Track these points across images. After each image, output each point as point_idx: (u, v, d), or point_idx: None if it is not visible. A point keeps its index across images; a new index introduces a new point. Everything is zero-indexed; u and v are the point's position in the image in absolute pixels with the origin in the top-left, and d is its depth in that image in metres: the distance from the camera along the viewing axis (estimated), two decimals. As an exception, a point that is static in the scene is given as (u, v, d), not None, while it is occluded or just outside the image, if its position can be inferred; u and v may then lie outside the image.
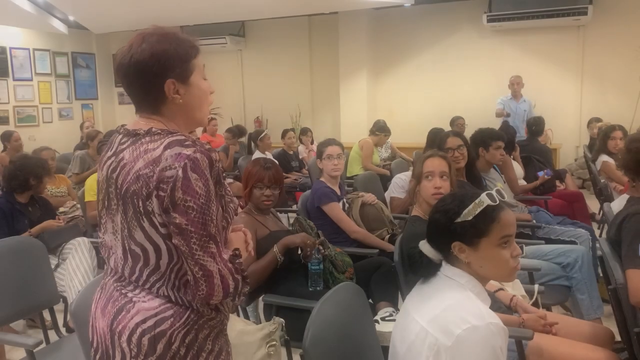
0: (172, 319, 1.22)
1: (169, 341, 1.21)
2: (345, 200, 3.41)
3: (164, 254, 1.22)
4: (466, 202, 1.49)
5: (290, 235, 2.55)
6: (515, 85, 6.94)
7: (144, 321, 1.22)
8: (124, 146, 1.26)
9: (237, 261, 1.26)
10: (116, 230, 1.26)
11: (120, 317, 1.24)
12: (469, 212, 1.47)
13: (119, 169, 1.23)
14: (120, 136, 1.30)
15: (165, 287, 1.24)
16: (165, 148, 1.19)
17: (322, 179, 3.41)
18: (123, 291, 1.27)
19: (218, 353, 1.30)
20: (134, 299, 1.25)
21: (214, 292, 1.19)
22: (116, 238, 1.27)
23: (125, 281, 1.27)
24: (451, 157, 3.15)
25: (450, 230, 1.49)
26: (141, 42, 1.25)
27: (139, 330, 1.22)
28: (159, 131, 1.24)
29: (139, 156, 1.21)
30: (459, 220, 1.48)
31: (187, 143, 1.20)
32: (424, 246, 1.57)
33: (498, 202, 1.48)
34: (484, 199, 1.47)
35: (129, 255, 1.25)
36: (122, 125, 1.32)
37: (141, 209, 1.20)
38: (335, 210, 3.23)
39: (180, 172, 1.15)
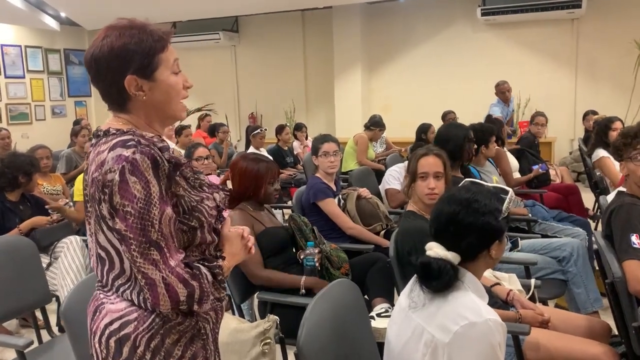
0: (135, 323, 1.19)
1: (134, 345, 1.19)
2: (340, 196, 3.39)
3: (126, 258, 1.18)
4: (497, 198, 1.51)
5: (319, 282, 2.47)
6: (507, 93, 6.72)
7: (110, 323, 1.20)
8: (91, 148, 1.23)
9: (214, 264, 1.22)
10: (91, 234, 1.24)
11: (95, 317, 1.24)
12: (506, 208, 1.48)
13: (87, 171, 1.22)
14: (92, 137, 1.28)
15: (130, 290, 1.21)
16: (110, 150, 1.15)
17: (317, 174, 3.38)
18: (100, 292, 1.26)
19: (191, 359, 1.25)
20: (105, 301, 1.23)
21: (159, 301, 1.14)
22: (92, 241, 1.25)
23: (101, 283, 1.26)
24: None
25: (497, 229, 1.48)
26: (103, 37, 1.20)
27: (107, 332, 1.20)
28: (114, 131, 1.20)
29: (93, 159, 1.18)
30: (502, 217, 1.49)
31: (129, 144, 1.14)
32: (438, 250, 1.47)
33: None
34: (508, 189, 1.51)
35: (98, 259, 1.23)
36: (99, 126, 1.29)
37: (98, 212, 1.17)
38: (330, 205, 3.20)
39: (117, 175, 1.11)
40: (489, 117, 5.88)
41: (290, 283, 2.45)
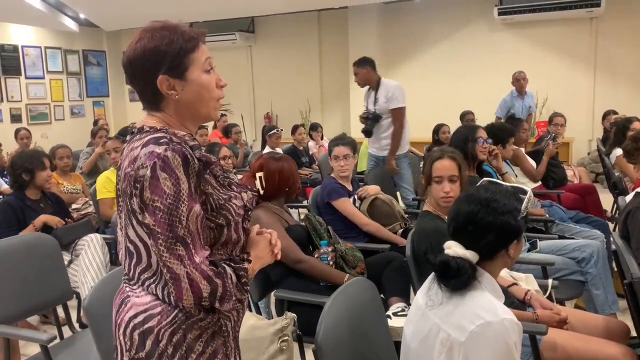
0: (159, 317, 1.22)
1: (157, 338, 1.21)
2: (356, 196, 3.39)
3: (153, 252, 1.21)
4: (516, 197, 1.51)
5: None
6: (522, 81, 6.57)
7: (135, 316, 1.23)
8: (125, 144, 1.27)
9: (239, 266, 1.24)
10: (121, 227, 1.28)
11: (120, 310, 1.27)
12: (525, 208, 1.48)
13: (120, 167, 1.25)
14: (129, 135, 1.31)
15: (155, 285, 1.24)
16: (143, 146, 1.18)
17: (332, 174, 3.40)
18: (126, 285, 1.29)
19: (211, 355, 1.27)
20: (130, 294, 1.26)
21: (183, 295, 1.16)
22: (121, 235, 1.28)
23: (128, 276, 1.29)
24: (481, 146, 3.18)
25: (516, 229, 1.48)
26: (137, 40, 1.24)
27: (132, 324, 1.23)
28: (148, 129, 1.24)
29: (127, 155, 1.22)
30: (521, 216, 1.50)
31: (162, 141, 1.18)
32: (457, 249, 1.47)
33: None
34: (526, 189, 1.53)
35: (126, 253, 1.27)
36: (133, 123, 1.32)
37: (129, 207, 1.20)
38: (345, 204, 3.22)
39: (149, 171, 1.14)
40: (512, 116, 5.80)
41: (336, 276, 2.48)
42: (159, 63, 1.22)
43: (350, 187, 3.38)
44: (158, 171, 1.14)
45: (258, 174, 2.60)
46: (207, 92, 1.29)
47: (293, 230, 2.59)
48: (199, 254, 1.17)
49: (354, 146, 3.42)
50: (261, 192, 2.56)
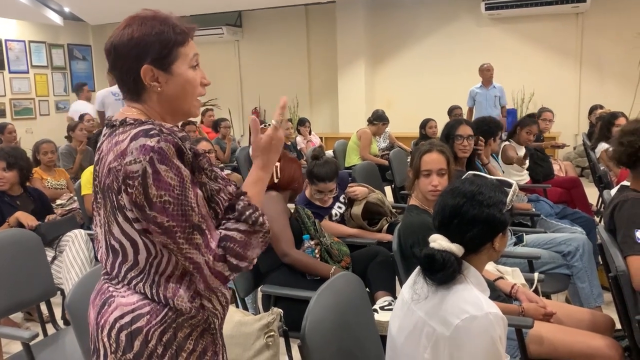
0: (148, 316, 1.19)
1: (146, 339, 1.18)
2: (342, 198, 3.33)
3: (142, 249, 1.19)
4: (501, 190, 1.51)
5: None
6: (487, 72, 6.90)
7: (121, 317, 1.19)
8: (104, 138, 1.23)
9: (237, 213, 1.19)
10: (101, 224, 1.24)
11: (103, 311, 1.22)
12: (510, 200, 1.48)
13: (99, 161, 1.21)
14: (105, 127, 1.27)
15: (142, 283, 1.20)
16: (131, 140, 1.14)
17: (306, 193, 3.18)
18: (108, 285, 1.25)
19: (202, 353, 1.25)
20: (114, 294, 1.22)
21: (208, 281, 1.17)
22: (101, 232, 1.25)
23: (110, 275, 1.25)
24: (460, 144, 3.15)
25: (501, 221, 1.48)
26: (125, 26, 1.21)
27: (117, 325, 1.19)
28: (132, 121, 1.20)
29: (110, 149, 1.17)
30: (507, 209, 1.49)
31: (152, 133, 1.13)
32: (442, 242, 1.46)
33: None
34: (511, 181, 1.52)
35: (110, 251, 1.23)
36: (110, 117, 1.29)
37: (115, 203, 1.16)
38: (322, 225, 2.97)
39: (148, 167, 1.10)
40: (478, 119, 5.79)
41: (322, 270, 2.49)
42: (145, 52, 1.19)
43: (328, 203, 3.19)
44: (157, 165, 1.10)
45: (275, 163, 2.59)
46: (191, 88, 1.25)
47: (292, 224, 2.60)
48: (214, 238, 1.17)
49: (337, 174, 3.14)
50: (276, 180, 2.55)
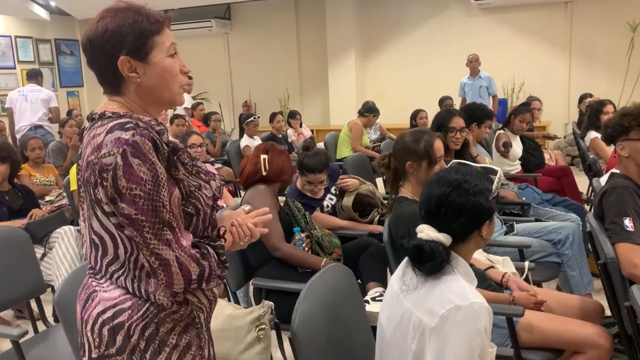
0: (129, 311, 1.18)
1: (128, 333, 1.18)
2: (333, 190, 3.32)
3: (120, 243, 1.18)
4: (486, 178, 1.50)
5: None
6: (473, 63, 7.03)
7: (104, 311, 1.19)
8: (85, 132, 1.22)
9: (217, 244, 1.22)
10: (84, 219, 1.23)
11: (87, 305, 1.22)
12: (495, 187, 1.48)
13: (80, 155, 1.21)
14: (87, 120, 1.26)
15: (124, 277, 1.20)
16: (107, 133, 1.13)
17: (297, 184, 3.17)
18: (92, 280, 1.25)
19: (185, 347, 1.24)
20: (97, 288, 1.22)
21: (174, 280, 1.14)
22: (85, 227, 1.24)
23: (94, 270, 1.25)
24: (453, 136, 3.14)
25: (488, 209, 1.47)
26: (99, 19, 1.20)
27: (100, 320, 1.19)
28: (110, 114, 1.19)
29: (89, 142, 1.16)
30: (492, 196, 1.49)
31: (127, 126, 1.12)
32: (429, 232, 1.46)
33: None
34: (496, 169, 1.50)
35: (92, 245, 1.22)
36: (92, 110, 1.28)
37: (93, 197, 1.16)
38: (314, 217, 2.99)
39: (119, 159, 1.09)
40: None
41: (312, 262, 2.48)
42: (120, 44, 1.18)
43: (319, 194, 3.17)
44: (130, 158, 1.09)
45: (263, 156, 2.60)
46: (170, 76, 1.24)
47: (281, 217, 2.59)
48: (185, 237, 1.16)
49: (328, 165, 3.12)
50: (264, 173, 2.56)
